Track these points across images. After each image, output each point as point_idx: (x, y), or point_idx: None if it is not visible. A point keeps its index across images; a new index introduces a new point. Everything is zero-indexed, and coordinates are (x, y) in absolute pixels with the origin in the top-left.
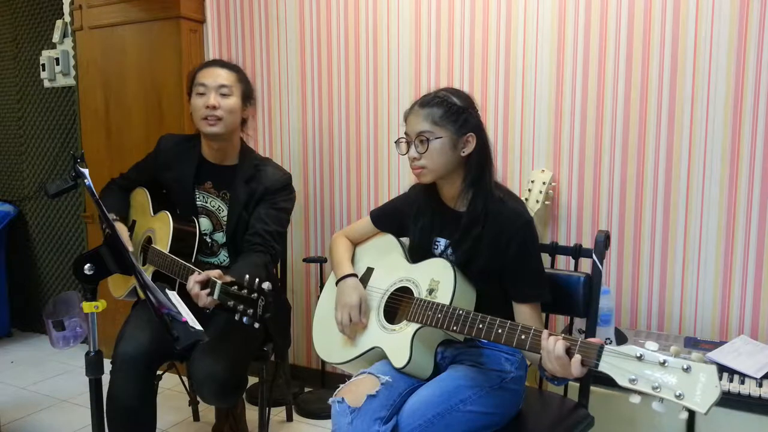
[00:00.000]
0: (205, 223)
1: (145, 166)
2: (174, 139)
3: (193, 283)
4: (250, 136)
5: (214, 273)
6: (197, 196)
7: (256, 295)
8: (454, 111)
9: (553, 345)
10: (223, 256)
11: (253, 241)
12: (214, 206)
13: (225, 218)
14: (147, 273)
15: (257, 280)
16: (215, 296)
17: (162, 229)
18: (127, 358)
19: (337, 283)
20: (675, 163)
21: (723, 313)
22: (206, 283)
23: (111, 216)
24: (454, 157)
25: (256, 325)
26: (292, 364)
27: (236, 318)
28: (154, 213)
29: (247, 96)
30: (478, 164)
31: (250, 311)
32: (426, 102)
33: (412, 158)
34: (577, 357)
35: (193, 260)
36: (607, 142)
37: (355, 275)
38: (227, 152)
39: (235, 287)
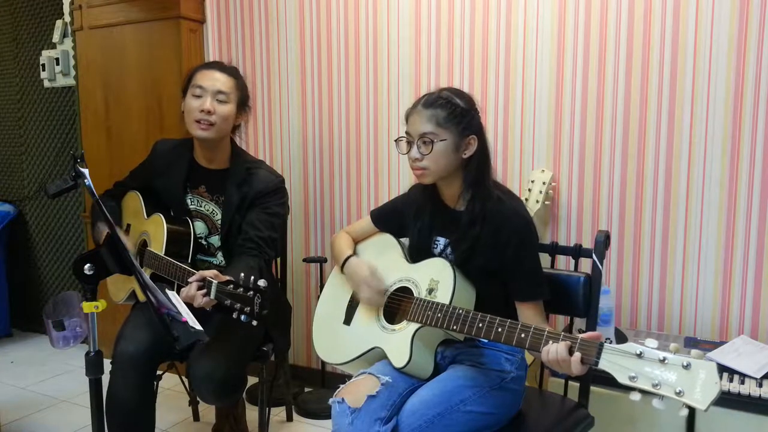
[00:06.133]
0: (200, 227)
1: (139, 172)
2: (169, 144)
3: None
4: (242, 139)
5: (209, 273)
6: (191, 200)
7: (252, 292)
8: (458, 113)
9: (555, 352)
10: (220, 257)
11: (246, 245)
12: (208, 210)
13: (219, 222)
14: None
15: (252, 277)
16: (212, 295)
17: (156, 231)
18: (127, 358)
19: (342, 268)
20: (675, 163)
21: (723, 313)
22: (202, 284)
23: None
24: (455, 159)
25: (254, 322)
26: (292, 364)
27: (234, 316)
28: (148, 216)
29: (243, 103)
30: (478, 166)
31: (247, 309)
32: (430, 102)
33: (413, 159)
34: (577, 355)
35: (190, 261)
36: (607, 142)
37: (355, 254)
38: (218, 156)
39: (231, 286)
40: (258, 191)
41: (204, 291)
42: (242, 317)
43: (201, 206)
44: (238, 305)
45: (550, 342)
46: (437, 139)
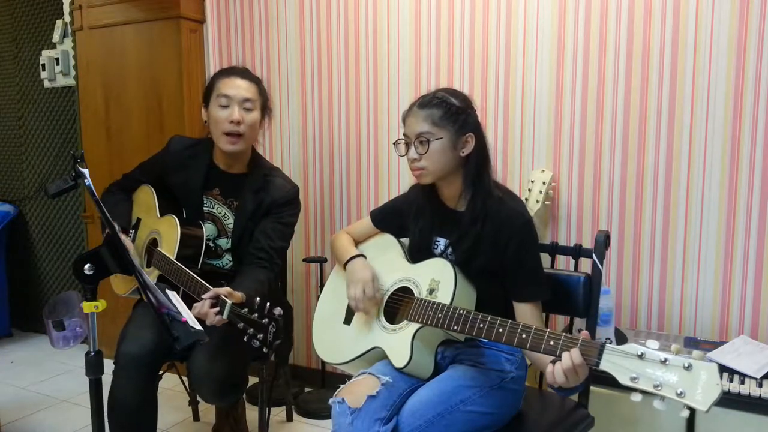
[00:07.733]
0: (210, 229)
1: (151, 167)
2: (185, 142)
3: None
4: (260, 143)
5: (223, 291)
6: (204, 201)
7: (267, 320)
8: (454, 111)
9: (570, 361)
10: (226, 260)
11: (258, 255)
12: (220, 213)
13: (230, 225)
14: (151, 276)
15: (268, 304)
16: (224, 316)
17: (169, 233)
18: (130, 359)
19: (345, 265)
20: (675, 163)
21: (723, 313)
22: (215, 301)
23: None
24: (453, 158)
25: (265, 350)
26: (292, 364)
27: (245, 340)
28: (161, 214)
29: (266, 108)
30: (477, 164)
31: (261, 336)
32: (425, 103)
33: (411, 159)
34: (576, 351)
35: (199, 266)
36: (607, 142)
37: (363, 256)
38: (238, 161)
39: (246, 309)
40: (274, 200)
41: (217, 309)
42: (253, 342)
43: (214, 208)
44: (251, 330)
45: (563, 359)
46: (433, 138)
